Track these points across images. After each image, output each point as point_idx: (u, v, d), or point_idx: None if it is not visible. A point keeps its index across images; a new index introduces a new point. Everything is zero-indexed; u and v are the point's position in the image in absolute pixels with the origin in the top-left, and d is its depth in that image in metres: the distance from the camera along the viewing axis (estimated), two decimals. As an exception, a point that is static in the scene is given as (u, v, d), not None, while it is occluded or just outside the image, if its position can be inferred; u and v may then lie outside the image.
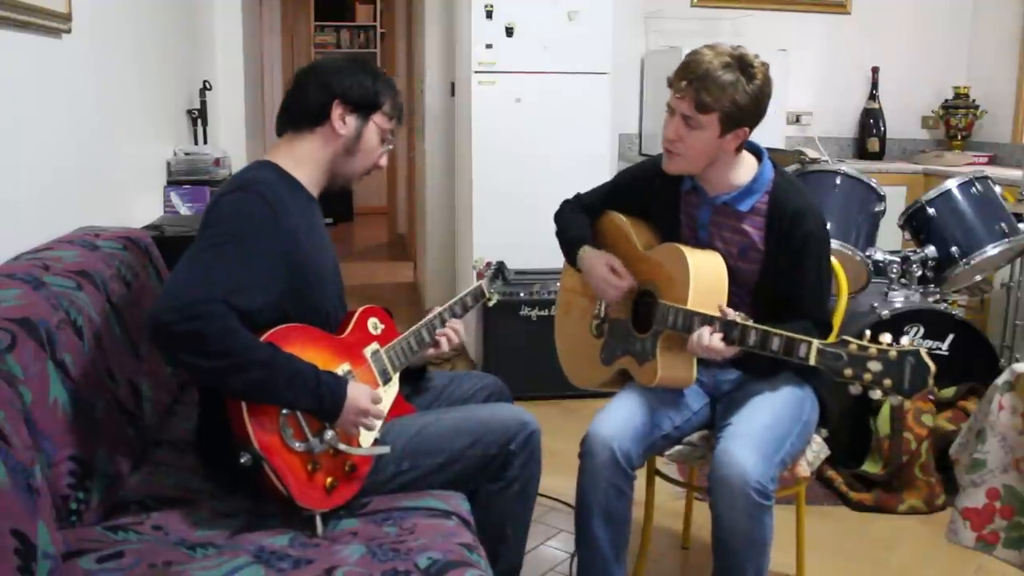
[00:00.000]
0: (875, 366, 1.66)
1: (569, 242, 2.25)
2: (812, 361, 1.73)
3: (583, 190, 2.35)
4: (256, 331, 1.63)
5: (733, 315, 1.85)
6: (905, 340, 1.67)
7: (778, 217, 1.98)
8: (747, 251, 2.03)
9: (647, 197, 2.18)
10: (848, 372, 1.68)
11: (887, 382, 1.65)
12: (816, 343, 1.73)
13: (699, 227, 2.09)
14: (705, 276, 1.96)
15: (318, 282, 1.82)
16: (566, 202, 2.34)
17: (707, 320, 1.87)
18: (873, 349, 1.66)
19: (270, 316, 1.69)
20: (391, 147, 1.93)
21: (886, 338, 1.67)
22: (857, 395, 1.72)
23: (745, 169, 2.02)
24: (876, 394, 1.67)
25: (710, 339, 1.84)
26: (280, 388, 1.61)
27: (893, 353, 1.64)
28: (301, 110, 1.84)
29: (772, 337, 1.79)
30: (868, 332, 1.69)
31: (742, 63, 1.88)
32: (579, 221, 2.27)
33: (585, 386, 2.32)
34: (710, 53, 1.89)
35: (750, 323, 1.83)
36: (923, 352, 1.62)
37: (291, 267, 1.73)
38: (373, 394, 1.74)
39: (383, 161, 1.91)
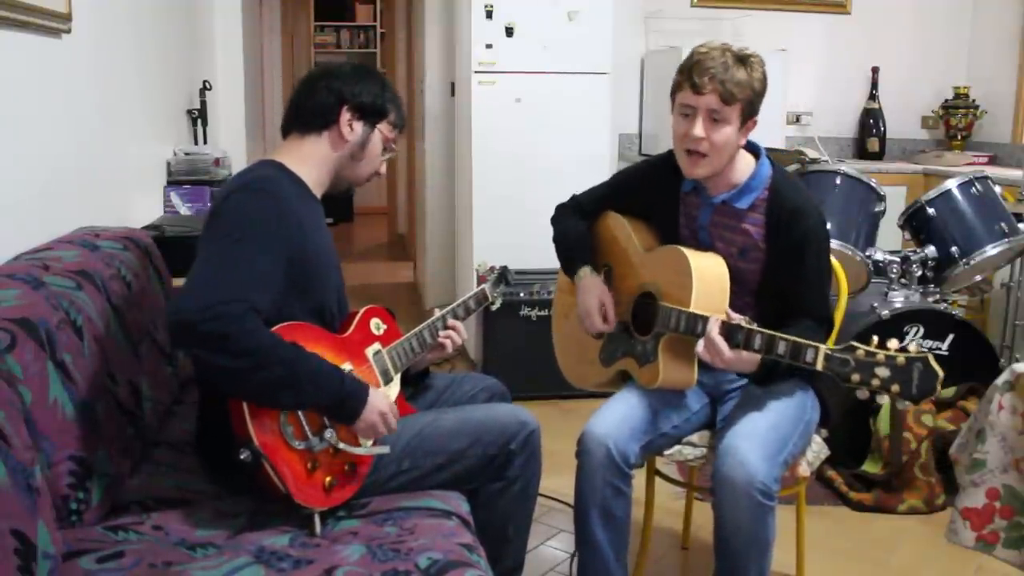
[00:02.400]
0: (883, 372, 1.65)
1: (567, 255, 2.26)
2: (819, 366, 1.72)
3: (583, 190, 2.33)
4: None
5: (738, 319, 1.85)
6: (909, 344, 1.66)
7: (777, 213, 1.98)
8: (748, 251, 2.02)
9: (646, 198, 2.18)
10: (856, 378, 1.68)
11: (895, 388, 1.64)
12: (823, 348, 1.72)
13: (699, 228, 2.08)
14: (707, 278, 1.96)
15: (322, 280, 1.82)
16: (562, 206, 2.32)
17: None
18: (881, 355, 1.66)
19: (273, 314, 1.69)
20: (392, 155, 1.95)
21: (893, 344, 1.66)
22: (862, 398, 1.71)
23: (743, 167, 2.03)
24: (883, 399, 1.67)
25: (721, 341, 1.82)
26: (304, 386, 1.60)
27: (901, 359, 1.64)
28: (309, 112, 1.84)
29: (778, 341, 1.78)
30: (876, 338, 1.69)
31: (740, 56, 1.92)
32: (578, 231, 2.26)
33: (583, 386, 2.31)
34: (715, 50, 1.92)
35: (755, 327, 1.82)
36: (931, 358, 1.62)
37: (297, 264, 1.73)
38: (390, 401, 1.75)
39: (383, 168, 1.94)
